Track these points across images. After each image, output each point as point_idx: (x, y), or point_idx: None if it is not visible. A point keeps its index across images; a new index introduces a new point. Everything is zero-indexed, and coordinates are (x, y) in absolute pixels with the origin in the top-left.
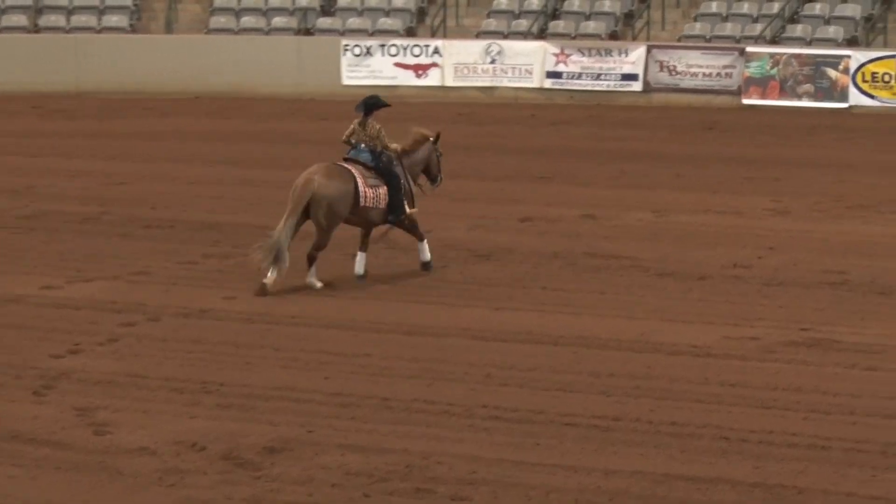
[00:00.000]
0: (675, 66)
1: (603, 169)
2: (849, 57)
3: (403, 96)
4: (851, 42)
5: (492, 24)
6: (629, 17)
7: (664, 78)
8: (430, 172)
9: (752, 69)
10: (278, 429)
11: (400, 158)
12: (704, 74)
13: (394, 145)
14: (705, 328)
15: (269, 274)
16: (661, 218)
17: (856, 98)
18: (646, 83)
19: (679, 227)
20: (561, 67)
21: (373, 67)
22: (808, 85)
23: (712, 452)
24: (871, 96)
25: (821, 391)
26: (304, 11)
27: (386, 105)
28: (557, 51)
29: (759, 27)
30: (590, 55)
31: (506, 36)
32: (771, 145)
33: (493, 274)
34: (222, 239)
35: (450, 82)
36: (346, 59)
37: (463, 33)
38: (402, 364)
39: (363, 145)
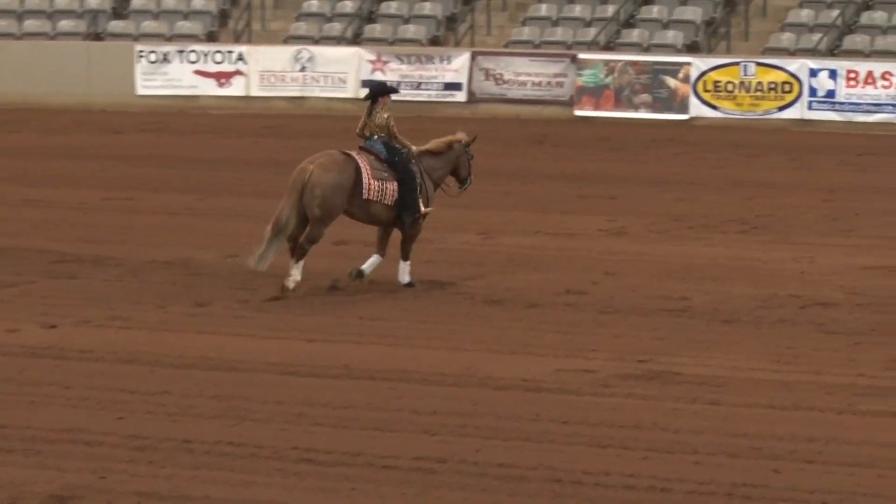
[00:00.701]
0: (501, 75)
1: None
2: (689, 64)
3: (204, 107)
4: (692, 48)
5: (301, 28)
6: (452, 20)
7: (490, 87)
8: (459, 174)
9: (585, 78)
10: (67, 475)
11: (418, 158)
12: (533, 83)
13: (416, 148)
14: (536, 360)
15: (290, 277)
16: (487, 240)
17: (697, 109)
18: (470, 93)
19: (507, 251)
20: (378, 76)
21: (170, 76)
22: (645, 95)
23: (544, 496)
24: (714, 107)
25: (661, 428)
26: (94, 14)
27: (393, 90)
28: (374, 57)
29: (592, 32)
30: (409, 62)
31: (317, 41)
32: (606, 160)
33: (305, 302)
34: (4, 265)
35: (255, 92)
36: (140, 67)
37: (269, 38)
38: (205, 402)
39: (376, 136)
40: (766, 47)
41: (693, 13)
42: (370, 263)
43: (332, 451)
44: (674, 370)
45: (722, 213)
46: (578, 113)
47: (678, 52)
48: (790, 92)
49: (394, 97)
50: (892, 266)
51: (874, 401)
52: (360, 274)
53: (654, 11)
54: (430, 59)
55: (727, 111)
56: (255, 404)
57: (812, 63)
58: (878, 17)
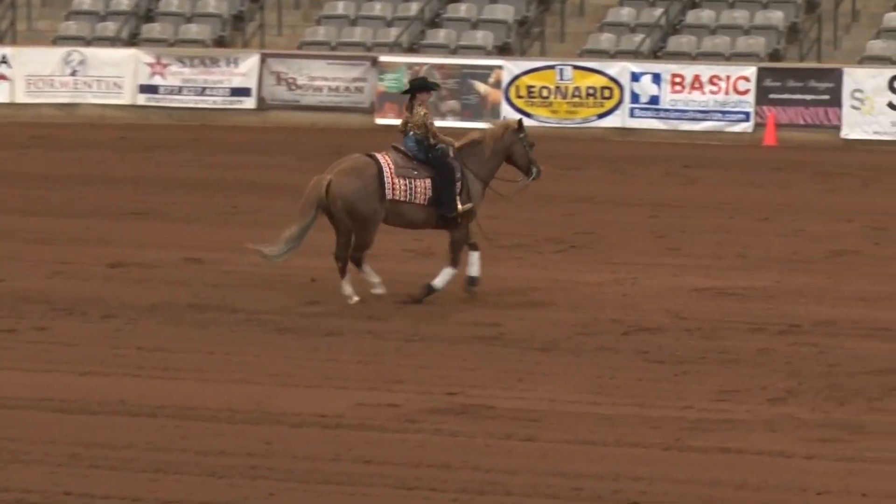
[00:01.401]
0: (294, 79)
1: (210, 203)
2: (500, 68)
3: None
4: (503, 50)
5: (72, 27)
6: (239, 19)
7: (282, 93)
8: (518, 165)
9: (387, 82)
10: None
11: (461, 153)
12: (330, 89)
13: (458, 143)
14: (335, 394)
15: (347, 290)
16: (281, 262)
17: (509, 116)
18: (260, 99)
19: (302, 273)
20: (157, 80)
21: None
22: (453, 101)
23: None
24: (528, 114)
25: (472, 467)
26: None
27: (434, 87)
28: (153, 60)
29: (393, 32)
30: (192, 65)
31: (89, 42)
32: None
33: (77, 331)
34: None
35: (21, 98)
36: None
37: (36, 39)
38: None
39: (412, 133)
40: (583, 49)
41: (504, 12)
42: (473, 265)
43: (110, 496)
44: (486, 403)
45: (537, 231)
46: (380, 121)
47: (488, 54)
48: (610, 98)
49: (172, 103)
50: (722, 287)
51: (702, 436)
52: (431, 289)
53: (462, 10)
54: (215, 61)
55: (542, 119)
56: (22, 445)
57: (634, 66)
58: (705, 15)
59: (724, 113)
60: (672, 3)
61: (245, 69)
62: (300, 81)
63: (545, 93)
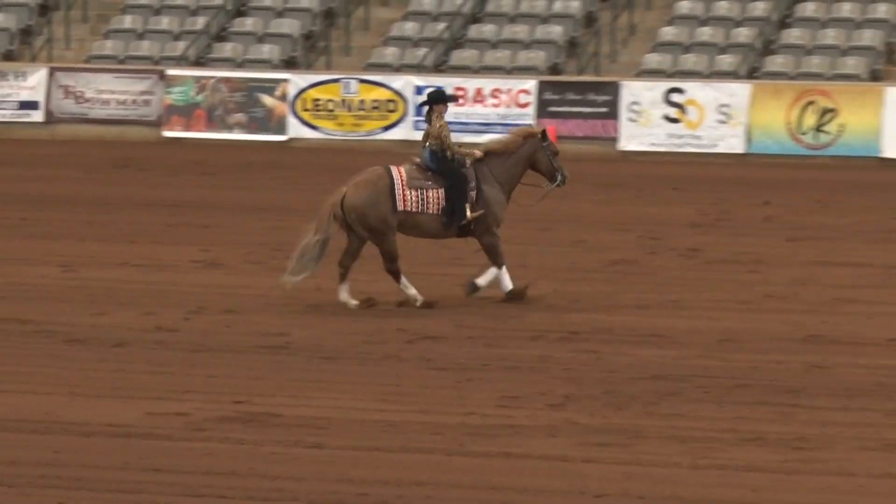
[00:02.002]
0: (82, 93)
1: None
2: (286, 81)
3: None
4: (290, 64)
5: None
6: (27, 33)
7: (70, 106)
8: (542, 172)
9: (174, 96)
10: None
11: (482, 163)
12: (118, 102)
13: (478, 152)
14: (124, 404)
15: (343, 296)
16: (69, 273)
17: (296, 129)
18: (48, 113)
19: (91, 285)
20: None
21: None
22: (239, 114)
23: None
24: (314, 127)
25: (259, 474)
26: None
27: (451, 99)
28: None
29: (181, 46)
30: None
31: None
32: (198, 186)
33: None
34: None
35: None
36: None
37: None
38: None
39: (428, 144)
40: (368, 63)
41: (290, 26)
42: (486, 277)
43: None
44: (273, 412)
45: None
46: (167, 134)
47: (275, 67)
48: (395, 111)
49: None
50: (497, 297)
51: (485, 441)
52: (475, 288)
53: (249, 24)
54: (3, 75)
55: (328, 132)
56: None
57: (418, 80)
58: (487, 30)
59: (505, 125)
60: (455, 17)
61: (33, 83)
62: (88, 95)
63: (331, 106)
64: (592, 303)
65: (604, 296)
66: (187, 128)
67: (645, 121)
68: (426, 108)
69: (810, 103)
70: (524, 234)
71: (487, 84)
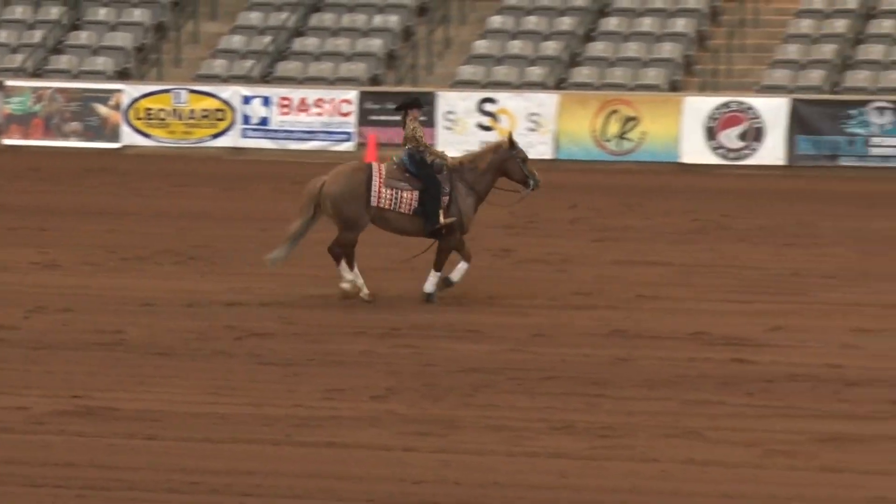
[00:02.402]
0: None
1: None
2: (120, 91)
3: None
4: (123, 75)
5: None
6: None
7: None
8: (514, 179)
9: (14, 105)
10: None
11: (457, 170)
12: None
13: (452, 158)
14: None
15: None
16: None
17: (129, 137)
18: None
19: None
20: None
21: None
22: (75, 123)
23: None
24: (146, 135)
25: (96, 465)
26: None
27: (416, 105)
28: None
29: (19, 58)
30: None
31: None
32: (36, 191)
33: None
34: None
35: None
36: None
37: None
38: None
39: (407, 146)
40: (197, 74)
41: (123, 39)
42: (429, 281)
43: None
44: (110, 405)
45: (156, 243)
46: (6, 142)
47: (109, 79)
48: (223, 119)
49: None
50: (329, 295)
51: (311, 431)
52: (448, 283)
53: (83, 38)
54: None
55: (160, 139)
56: None
57: (245, 90)
58: (310, 43)
59: (328, 133)
60: (279, 31)
61: None
62: None
63: (163, 115)
64: (412, 300)
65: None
66: (25, 136)
67: (460, 129)
68: (401, 112)
69: (614, 112)
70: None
71: (311, 94)
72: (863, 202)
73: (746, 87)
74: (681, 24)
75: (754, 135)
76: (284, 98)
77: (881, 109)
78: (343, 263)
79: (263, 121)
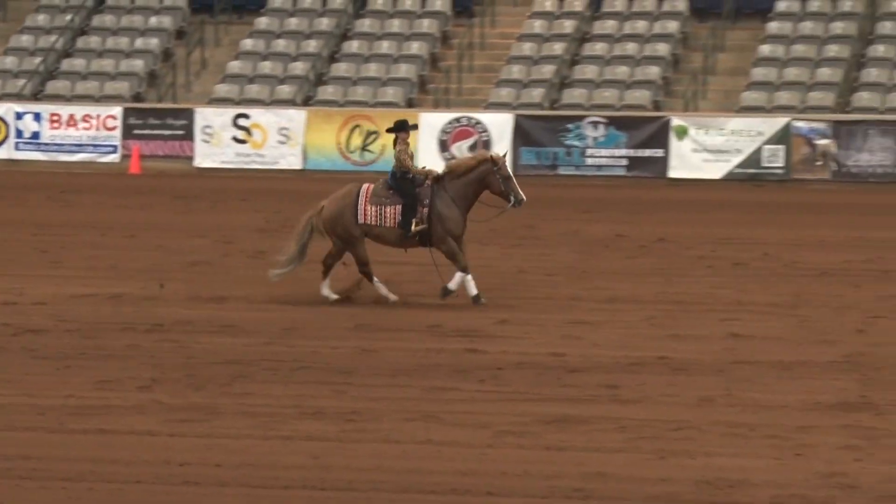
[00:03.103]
0: None
1: None
2: None
3: None
4: None
5: None
6: None
7: None
8: (495, 193)
9: None
10: None
11: (441, 182)
12: None
13: (436, 172)
14: None
15: (324, 288)
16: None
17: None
18: None
19: None
20: None
21: None
22: None
23: None
24: None
25: None
26: None
27: (402, 129)
28: None
29: None
30: None
31: None
32: None
33: None
34: None
35: None
36: None
37: None
38: None
39: (393, 166)
40: None
41: None
42: (455, 281)
43: None
44: None
45: None
46: None
47: None
48: None
49: None
50: (96, 293)
51: (82, 420)
52: (446, 291)
53: None
54: None
55: None
56: None
57: (18, 107)
58: (77, 63)
59: (95, 146)
60: (49, 52)
61: None
62: None
63: None
64: (175, 298)
65: (184, 292)
66: None
67: (216, 142)
68: (392, 135)
69: (356, 127)
70: (113, 240)
71: (79, 111)
72: (580, 207)
73: (475, 103)
74: (415, 47)
75: (483, 146)
76: (55, 114)
77: (595, 124)
78: (374, 280)
79: (35, 135)
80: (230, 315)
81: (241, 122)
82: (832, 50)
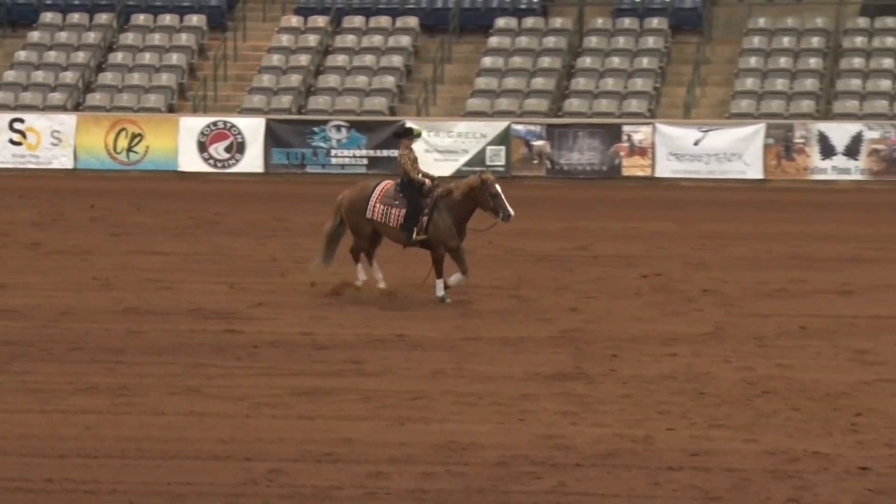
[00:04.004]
0: None
1: None
2: None
3: None
4: None
5: None
6: None
7: None
8: (485, 209)
9: None
10: None
11: (444, 197)
12: None
13: (433, 183)
14: None
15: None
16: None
17: None
18: None
19: None
20: None
21: None
22: None
23: None
24: None
25: None
26: None
27: (405, 135)
28: None
29: None
30: None
31: None
32: None
33: None
34: None
35: None
36: None
37: None
38: None
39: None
40: None
41: None
42: (454, 278)
43: None
44: None
45: None
46: None
47: None
48: None
49: None
50: None
51: None
52: (446, 287)
53: None
54: None
55: None
56: None
57: None
58: None
59: None
60: None
61: None
62: None
63: None
64: None
65: None
66: None
67: None
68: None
69: (123, 130)
70: None
71: None
72: (326, 202)
73: (230, 109)
74: (175, 58)
75: (238, 148)
76: None
77: (338, 127)
78: (358, 266)
79: None
80: (9, 301)
81: (17, 125)
82: (545, 62)
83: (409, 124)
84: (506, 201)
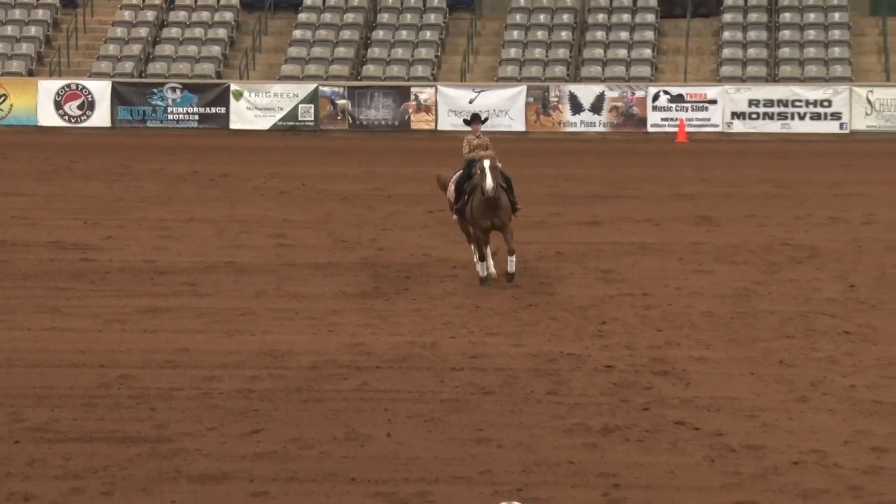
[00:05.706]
0: None
1: None
2: None
3: None
4: None
5: None
6: None
7: None
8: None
9: None
10: None
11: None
12: None
13: (479, 155)
14: None
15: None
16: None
17: None
18: None
19: None
20: None
21: None
22: None
23: None
24: None
25: None
26: None
27: (472, 121)
28: None
29: None
30: None
31: None
32: None
33: None
34: None
35: None
36: None
37: None
38: None
39: None
40: None
41: None
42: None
43: None
44: None
45: None
46: None
47: None
48: None
49: None
50: None
51: None
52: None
53: None
54: None
55: None
56: None
57: None
58: None
59: None
60: None
61: None
62: None
63: None
64: None
65: None
66: None
67: None
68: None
69: None
70: None
71: None
72: (165, 152)
73: (82, 73)
74: (33, 31)
75: (88, 106)
76: None
77: (174, 88)
78: (472, 246)
79: None
80: None
81: None
82: (346, 34)
83: (474, 111)
84: (486, 180)
